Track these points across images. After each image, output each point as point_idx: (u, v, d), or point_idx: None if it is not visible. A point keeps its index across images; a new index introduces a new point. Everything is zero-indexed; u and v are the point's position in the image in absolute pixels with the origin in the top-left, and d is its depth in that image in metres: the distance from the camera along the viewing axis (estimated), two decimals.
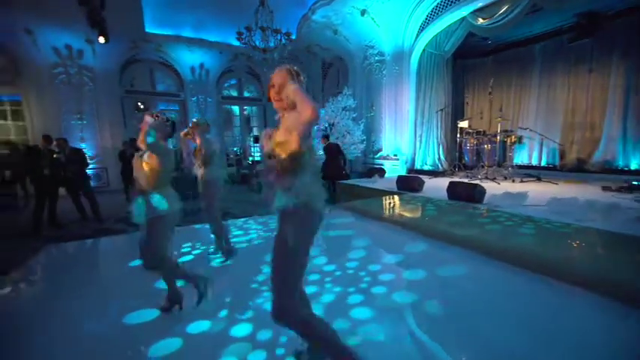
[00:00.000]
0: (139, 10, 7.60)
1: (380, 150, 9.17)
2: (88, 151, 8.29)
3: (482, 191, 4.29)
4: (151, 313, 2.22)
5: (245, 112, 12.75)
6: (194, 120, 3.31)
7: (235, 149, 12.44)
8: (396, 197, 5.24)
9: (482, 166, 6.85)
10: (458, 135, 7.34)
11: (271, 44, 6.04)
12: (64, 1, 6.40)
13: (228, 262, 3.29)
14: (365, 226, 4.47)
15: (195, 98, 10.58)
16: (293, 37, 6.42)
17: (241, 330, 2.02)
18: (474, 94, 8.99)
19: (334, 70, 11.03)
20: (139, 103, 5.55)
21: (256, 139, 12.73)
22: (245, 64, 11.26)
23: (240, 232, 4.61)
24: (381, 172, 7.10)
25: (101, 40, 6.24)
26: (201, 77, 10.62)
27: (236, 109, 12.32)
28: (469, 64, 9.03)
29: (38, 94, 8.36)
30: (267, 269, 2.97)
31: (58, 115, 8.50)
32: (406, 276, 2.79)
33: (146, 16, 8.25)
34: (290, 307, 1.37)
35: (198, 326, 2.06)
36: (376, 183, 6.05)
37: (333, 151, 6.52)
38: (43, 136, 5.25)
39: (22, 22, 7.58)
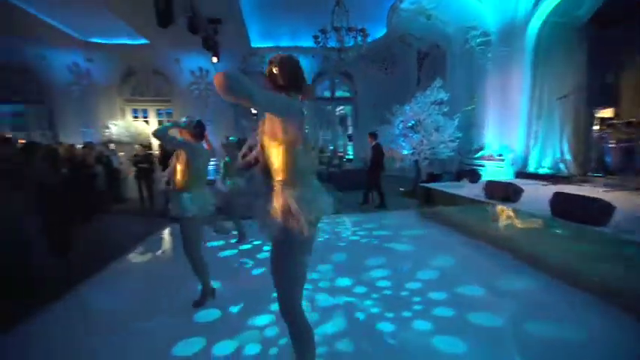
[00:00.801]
0: (244, 30, 8.83)
1: (480, 148, 7.81)
2: None
3: (607, 209, 3.07)
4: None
5: (341, 112, 13.08)
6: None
7: (331, 147, 12.89)
8: (488, 207, 4.36)
9: (636, 172, 4.91)
10: (595, 128, 5.46)
11: (350, 43, 5.97)
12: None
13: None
14: (443, 240, 3.96)
15: None
16: (370, 32, 6.15)
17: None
18: (621, 72, 6.42)
19: (430, 61, 9.99)
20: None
21: (350, 138, 13.02)
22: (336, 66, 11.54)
23: None
24: (474, 175, 6.02)
25: (214, 60, 7.59)
26: None
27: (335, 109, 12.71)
28: (613, 33, 6.47)
29: (182, 107, 10.90)
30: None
31: None
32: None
33: (251, 33, 9.53)
34: (291, 315, 1.38)
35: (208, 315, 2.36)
36: (462, 188, 5.19)
37: (380, 154, 6.14)
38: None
39: (174, 54, 10.01)
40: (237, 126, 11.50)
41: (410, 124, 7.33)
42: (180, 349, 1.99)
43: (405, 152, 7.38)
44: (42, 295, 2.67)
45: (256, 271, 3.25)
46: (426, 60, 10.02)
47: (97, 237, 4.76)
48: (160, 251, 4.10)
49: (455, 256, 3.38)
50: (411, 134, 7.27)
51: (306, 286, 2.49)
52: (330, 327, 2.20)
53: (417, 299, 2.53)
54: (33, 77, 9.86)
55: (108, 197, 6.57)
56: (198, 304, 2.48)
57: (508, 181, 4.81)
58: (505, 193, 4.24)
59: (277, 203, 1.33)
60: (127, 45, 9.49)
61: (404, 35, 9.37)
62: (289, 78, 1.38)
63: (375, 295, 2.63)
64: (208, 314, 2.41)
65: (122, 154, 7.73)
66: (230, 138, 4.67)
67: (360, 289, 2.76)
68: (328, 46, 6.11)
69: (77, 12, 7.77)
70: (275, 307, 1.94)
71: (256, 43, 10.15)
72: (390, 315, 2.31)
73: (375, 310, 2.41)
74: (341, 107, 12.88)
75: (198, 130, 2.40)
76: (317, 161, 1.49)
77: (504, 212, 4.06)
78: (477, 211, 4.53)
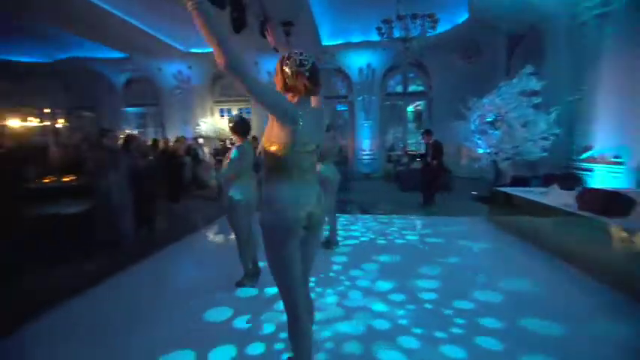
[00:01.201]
0: (315, 29, 9.08)
1: (587, 148, 6.30)
2: None
3: None
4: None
5: (417, 107, 12.29)
6: None
7: (401, 145, 12.25)
8: (585, 221, 3.50)
9: None
10: None
11: (416, 32, 5.51)
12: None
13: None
14: (515, 257, 3.44)
15: (361, 98, 11.42)
16: (442, 18, 5.54)
17: None
18: None
19: (523, 46, 8.49)
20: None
21: (427, 134, 12.11)
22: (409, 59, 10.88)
23: (356, 227, 4.82)
24: (568, 180, 4.88)
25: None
26: (367, 77, 11.30)
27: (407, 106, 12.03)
28: None
29: (259, 107, 11.93)
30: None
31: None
32: None
33: (322, 31, 9.74)
34: (286, 305, 1.42)
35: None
36: (549, 195, 4.27)
37: (439, 151, 5.86)
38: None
39: (254, 57, 11.00)
40: None
41: (489, 119, 6.40)
42: (209, 315, 2.29)
43: (481, 151, 6.49)
44: (130, 253, 3.37)
45: None
46: (519, 46, 8.53)
47: (180, 215, 5.63)
48: (222, 233, 4.61)
49: (529, 279, 2.82)
50: (490, 130, 6.36)
51: (343, 281, 2.49)
52: (346, 326, 2.12)
53: (460, 321, 2.19)
54: (151, 85, 12.21)
55: (193, 184, 7.71)
56: (240, 284, 2.75)
57: (613, 189, 3.74)
58: (607, 204, 3.31)
59: (264, 196, 1.42)
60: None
61: (489, 18, 8.18)
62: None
63: (411, 307, 2.42)
64: (247, 291, 2.69)
65: (207, 148, 8.91)
66: None
67: (397, 297, 2.58)
68: (394, 37, 5.77)
69: (181, 28, 9.27)
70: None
71: (327, 41, 10.34)
72: (418, 331, 2.09)
73: (403, 321, 2.22)
74: (417, 103, 12.10)
75: (239, 127, 2.60)
76: (313, 160, 1.47)
77: (612, 231, 3.17)
78: (568, 224, 3.68)
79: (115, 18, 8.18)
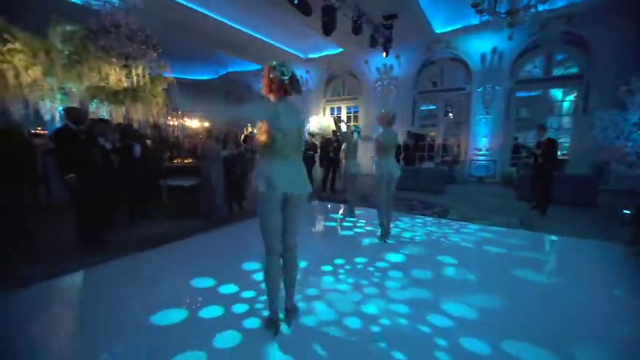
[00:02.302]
0: (423, 17, 8.45)
1: None
2: None
3: None
4: None
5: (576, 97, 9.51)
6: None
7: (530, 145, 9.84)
8: None
9: None
10: None
11: (523, 2, 4.32)
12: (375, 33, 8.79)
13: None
14: None
15: (480, 89, 9.83)
16: None
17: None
18: None
19: None
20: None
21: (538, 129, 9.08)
22: (559, 33, 8.49)
23: (405, 226, 4.52)
24: None
25: (384, 55, 7.91)
26: (492, 63, 9.59)
27: (558, 93, 9.47)
28: None
29: (365, 104, 12.15)
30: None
31: (372, 117, 11.86)
32: None
33: (435, 19, 8.94)
34: (265, 253, 1.95)
35: None
36: None
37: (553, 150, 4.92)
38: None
39: (364, 56, 11.29)
40: (415, 120, 11.32)
41: None
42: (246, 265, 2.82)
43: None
44: (220, 220, 4.38)
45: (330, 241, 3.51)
46: None
47: None
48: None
49: None
50: None
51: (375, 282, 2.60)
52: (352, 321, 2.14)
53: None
54: None
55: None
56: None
57: None
58: None
59: (257, 170, 1.95)
60: (329, 55, 11.76)
61: None
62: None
63: (442, 322, 2.13)
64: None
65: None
66: (354, 127, 4.99)
67: (428, 315, 2.21)
68: (499, 12, 4.74)
69: (299, 40, 10.60)
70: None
71: (440, 28, 9.40)
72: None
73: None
74: (569, 90, 9.37)
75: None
76: (293, 145, 1.90)
77: None
78: None
79: (253, 38, 10.21)
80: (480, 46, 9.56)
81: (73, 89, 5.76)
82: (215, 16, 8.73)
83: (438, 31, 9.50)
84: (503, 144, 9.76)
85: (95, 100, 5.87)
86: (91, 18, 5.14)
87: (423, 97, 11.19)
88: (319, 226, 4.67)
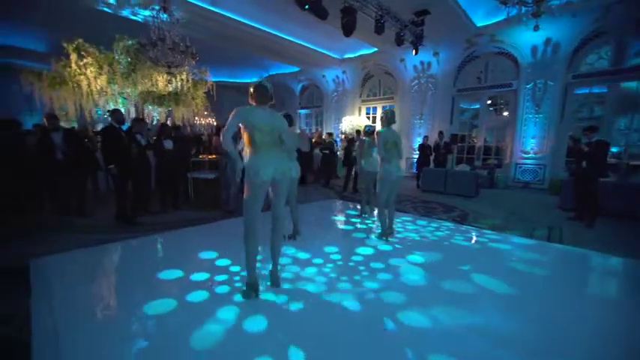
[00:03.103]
0: (460, 11, 7.97)
1: None
2: (417, 144, 10.46)
3: None
4: None
5: None
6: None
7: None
8: None
9: None
10: None
11: None
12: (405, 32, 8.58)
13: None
14: None
15: (530, 85, 8.91)
16: None
17: None
18: None
19: None
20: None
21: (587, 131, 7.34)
22: (630, 17, 7.30)
23: (412, 227, 4.41)
24: None
25: (413, 53, 7.69)
26: (545, 56, 8.63)
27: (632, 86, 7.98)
28: None
29: (401, 103, 11.84)
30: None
31: (408, 117, 11.52)
32: None
33: (475, 12, 8.37)
34: (244, 229, 2.35)
35: None
36: None
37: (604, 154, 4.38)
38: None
39: (400, 54, 11.03)
40: (453, 119, 10.71)
41: None
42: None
43: None
44: (229, 211, 4.79)
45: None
46: None
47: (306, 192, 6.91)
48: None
49: None
50: None
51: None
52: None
53: None
54: (318, 90, 14.83)
55: (324, 172, 9.00)
56: (289, 237, 3.68)
57: None
58: None
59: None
60: (365, 55, 11.73)
61: None
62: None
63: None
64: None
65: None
66: (367, 127, 4.98)
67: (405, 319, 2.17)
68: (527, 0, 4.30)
69: (335, 41, 10.79)
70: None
71: (482, 21, 8.76)
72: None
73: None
74: None
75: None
76: (273, 141, 2.33)
77: None
78: None
79: (291, 43, 10.72)
80: (530, 38, 8.64)
81: (130, 94, 6.79)
82: (255, 25, 9.39)
83: (479, 24, 8.86)
84: (556, 146, 8.71)
85: (147, 103, 6.84)
86: (142, 32, 6.06)
87: (464, 95, 10.51)
88: (326, 222, 4.80)
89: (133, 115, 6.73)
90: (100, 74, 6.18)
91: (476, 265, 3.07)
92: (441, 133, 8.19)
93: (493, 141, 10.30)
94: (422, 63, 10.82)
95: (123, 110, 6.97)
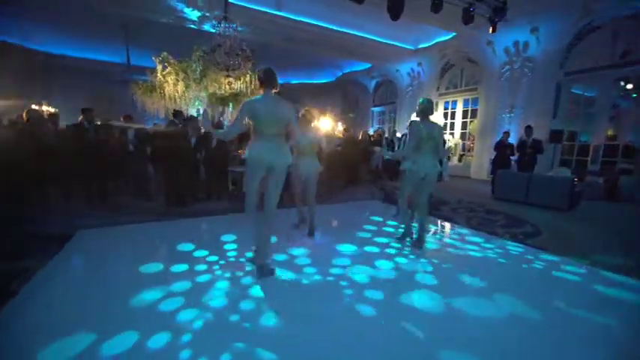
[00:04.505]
0: None
1: None
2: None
3: None
4: None
5: None
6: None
7: None
8: None
9: None
10: None
11: None
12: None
13: None
14: None
15: None
16: None
17: None
18: None
19: None
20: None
21: None
22: None
23: (450, 241, 3.58)
24: None
25: (490, 31, 6.32)
26: None
27: None
28: None
29: (486, 95, 9.98)
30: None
31: (493, 111, 9.62)
32: None
33: None
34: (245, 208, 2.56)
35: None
36: None
37: None
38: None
39: (485, 37, 9.31)
40: (558, 111, 8.40)
41: None
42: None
43: None
44: None
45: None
46: None
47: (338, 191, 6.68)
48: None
49: None
50: None
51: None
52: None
53: None
54: (393, 86, 13.95)
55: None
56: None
57: None
58: None
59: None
60: (442, 42, 10.34)
61: None
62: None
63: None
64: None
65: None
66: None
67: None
68: None
69: (407, 31, 9.90)
70: None
71: None
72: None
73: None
74: None
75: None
76: (274, 130, 2.46)
77: None
78: None
79: (362, 39, 10.39)
80: None
81: (203, 97, 7.80)
82: (320, 24, 9.46)
83: None
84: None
85: (214, 104, 7.74)
86: (207, 40, 6.91)
87: (575, 79, 8.10)
88: (349, 222, 4.36)
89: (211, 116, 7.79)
90: (178, 81, 7.30)
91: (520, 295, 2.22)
92: (529, 127, 6.47)
93: (620, 138, 7.61)
94: (516, 44, 8.85)
95: (197, 112, 8.16)
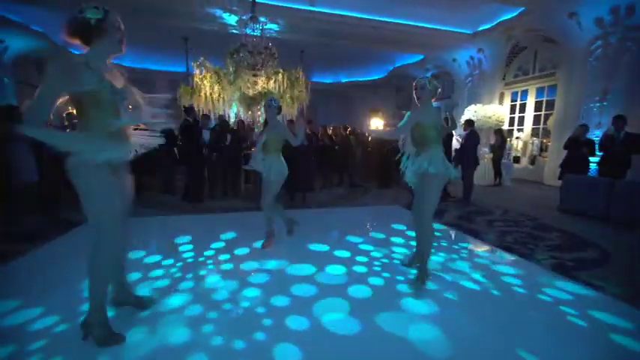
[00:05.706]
0: None
1: None
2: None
3: None
4: None
5: None
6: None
7: None
8: None
9: None
10: None
11: None
12: None
13: None
14: None
15: None
16: None
17: None
18: None
19: None
20: None
21: None
22: None
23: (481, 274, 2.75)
24: None
25: None
26: None
27: None
28: None
29: (567, 81, 7.97)
30: None
31: (577, 101, 7.62)
32: None
33: None
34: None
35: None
36: None
37: None
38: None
39: (566, 8, 7.42)
40: None
41: None
42: None
43: None
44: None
45: None
46: None
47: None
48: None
49: None
50: None
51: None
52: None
53: None
54: (450, 77, 12.36)
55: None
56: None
57: None
58: None
59: None
60: (506, 21, 8.62)
61: None
62: None
63: None
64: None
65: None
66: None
67: None
68: None
69: (463, 13, 8.57)
70: None
71: None
72: None
73: None
74: None
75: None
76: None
77: None
78: None
79: (411, 28, 9.44)
80: None
81: (237, 97, 8.04)
82: (360, 15, 8.89)
83: None
84: None
85: (245, 104, 7.89)
86: (235, 42, 7.09)
87: None
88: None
89: (240, 117, 8.02)
90: (214, 83, 7.65)
91: None
92: (619, 118, 4.76)
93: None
94: (613, 10, 6.82)
95: (233, 113, 8.46)
